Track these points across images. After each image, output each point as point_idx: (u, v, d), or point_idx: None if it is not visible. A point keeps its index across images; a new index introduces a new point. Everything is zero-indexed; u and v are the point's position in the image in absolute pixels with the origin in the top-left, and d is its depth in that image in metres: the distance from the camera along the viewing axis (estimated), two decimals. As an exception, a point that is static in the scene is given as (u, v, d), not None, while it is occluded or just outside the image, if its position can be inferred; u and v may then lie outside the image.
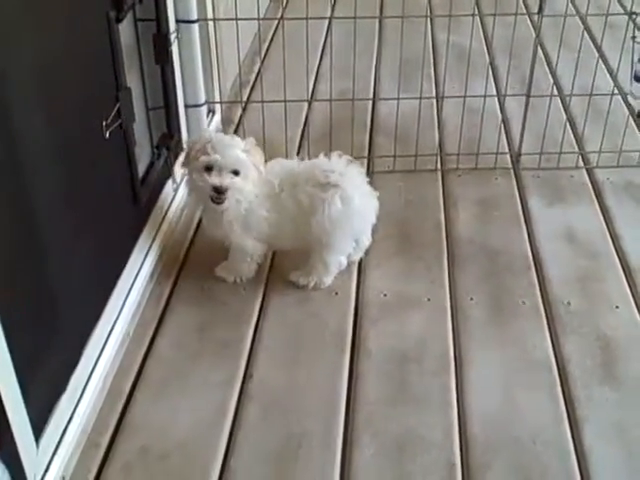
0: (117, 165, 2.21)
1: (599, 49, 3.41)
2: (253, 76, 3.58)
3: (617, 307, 2.31)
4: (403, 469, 1.84)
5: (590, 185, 2.90)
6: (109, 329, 2.11)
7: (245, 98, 3.36)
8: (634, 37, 2.88)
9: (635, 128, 3.18)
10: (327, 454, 1.88)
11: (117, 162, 2.21)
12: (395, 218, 2.62)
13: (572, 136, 3.15)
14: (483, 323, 2.26)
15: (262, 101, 2.84)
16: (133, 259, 2.29)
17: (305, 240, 2.31)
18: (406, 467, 1.85)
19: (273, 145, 2.77)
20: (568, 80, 3.06)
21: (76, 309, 1.93)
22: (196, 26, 2.68)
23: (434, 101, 3.37)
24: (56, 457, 1.78)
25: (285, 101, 2.82)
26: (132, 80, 2.28)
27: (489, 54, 3.72)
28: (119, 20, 2.11)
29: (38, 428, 1.72)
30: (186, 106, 2.78)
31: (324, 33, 3.78)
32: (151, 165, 2.50)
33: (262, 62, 3.44)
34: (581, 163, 3.02)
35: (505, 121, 3.25)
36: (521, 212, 2.75)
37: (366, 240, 2.41)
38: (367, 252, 2.47)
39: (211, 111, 3.07)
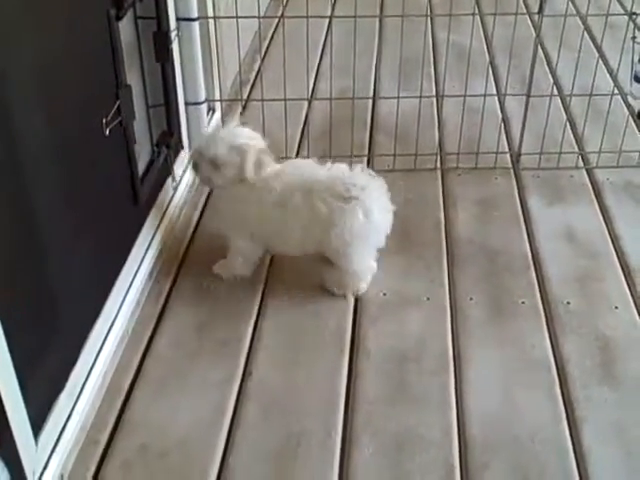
0: (117, 163, 2.21)
1: (599, 49, 3.42)
2: (253, 74, 3.58)
3: (616, 307, 2.31)
4: (402, 468, 1.84)
5: (590, 185, 2.90)
6: (108, 327, 2.11)
7: (245, 96, 3.36)
8: (634, 37, 2.88)
9: (635, 128, 3.18)
10: (326, 453, 1.88)
11: (117, 160, 2.21)
12: (395, 217, 2.61)
13: (572, 136, 3.15)
14: (482, 323, 2.26)
15: (262, 99, 2.84)
16: (132, 257, 2.29)
17: (314, 248, 2.30)
18: (405, 466, 1.85)
19: (273, 143, 2.75)
20: (568, 80, 3.06)
21: (75, 307, 1.93)
22: (196, 24, 2.68)
23: (434, 100, 3.37)
24: (55, 454, 1.78)
25: (285, 99, 2.82)
26: (132, 78, 2.27)
27: (489, 53, 3.73)
28: (119, 18, 2.10)
29: (37, 425, 1.72)
30: (186, 104, 2.78)
31: (324, 32, 3.78)
32: (151, 163, 2.49)
33: (262, 60, 3.44)
34: (581, 163, 3.02)
35: (505, 121, 3.25)
36: (521, 212, 2.75)
37: None
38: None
39: (211, 109, 3.07)
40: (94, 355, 2.02)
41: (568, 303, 2.33)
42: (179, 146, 2.75)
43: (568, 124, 3.15)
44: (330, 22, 3.56)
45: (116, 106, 2.08)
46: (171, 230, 2.59)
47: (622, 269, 2.46)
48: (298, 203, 2.22)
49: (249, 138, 2.26)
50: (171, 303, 2.33)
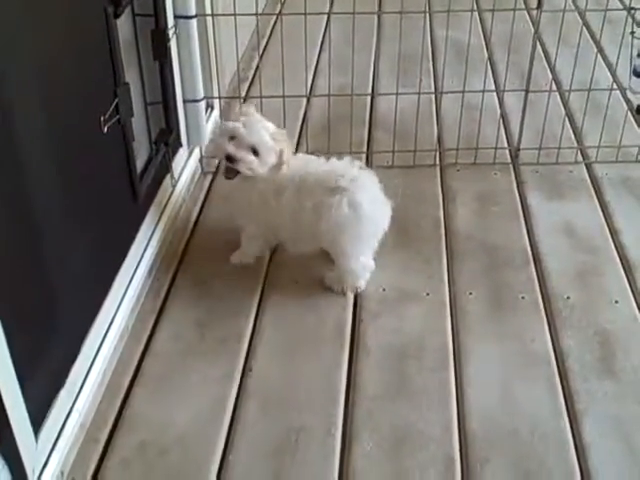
0: (115, 160, 2.21)
1: (598, 44, 3.42)
2: (252, 71, 3.58)
3: (616, 301, 2.31)
4: (402, 464, 1.84)
5: (589, 180, 2.90)
6: (108, 324, 2.11)
7: (244, 93, 3.36)
8: (633, 32, 2.87)
9: (634, 123, 3.18)
10: (326, 449, 1.88)
11: (115, 157, 2.20)
12: (394, 213, 2.61)
13: (571, 131, 3.15)
14: (482, 318, 2.26)
15: (260, 96, 2.84)
16: (131, 254, 2.29)
17: (311, 242, 2.32)
18: (405, 462, 1.85)
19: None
20: (567, 75, 3.06)
21: (75, 303, 1.93)
22: (194, 21, 2.67)
23: (433, 96, 3.37)
24: (55, 452, 1.78)
25: (284, 96, 2.82)
26: (130, 76, 2.27)
27: (488, 49, 3.72)
28: (117, 15, 2.10)
29: (37, 423, 1.72)
30: (184, 101, 2.77)
31: (323, 28, 3.78)
32: (149, 160, 2.49)
33: (260, 57, 3.43)
34: (580, 158, 3.01)
35: (504, 116, 3.25)
36: (520, 207, 2.75)
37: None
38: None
39: (210, 106, 3.07)
40: (94, 352, 2.02)
41: (568, 298, 2.33)
42: (177, 143, 2.74)
43: (567, 119, 3.14)
44: (328, 19, 3.56)
45: (114, 104, 2.07)
46: (170, 227, 2.59)
47: (622, 264, 2.46)
48: (289, 197, 2.24)
49: (268, 123, 2.26)
50: (171, 299, 2.33)
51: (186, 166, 2.82)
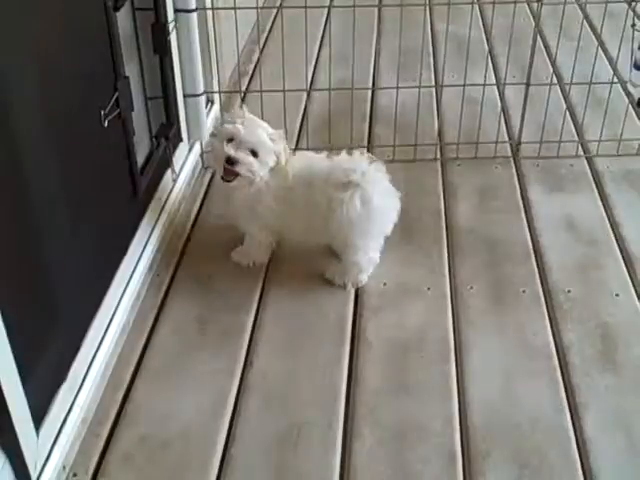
0: (115, 155, 2.21)
1: (599, 37, 3.41)
2: (252, 66, 3.57)
3: (617, 295, 2.31)
4: (403, 458, 1.84)
5: (590, 173, 2.89)
6: (109, 319, 2.11)
7: (244, 88, 3.35)
8: (634, 25, 2.87)
9: (635, 116, 3.17)
10: (327, 443, 1.88)
11: (115, 152, 2.20)
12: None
13: (572, 125, 3.14)
14: (483, 311, 2.26)
15: (261, 91, 2.83)
16: (132, 249, 2.29)
17: (322, 238, 2.32)
18: (406, 456, 1.85)
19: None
20: (568, 69, 3.05)
21: (76, 299, 1.93)
22: (194, 15, 2.66)
23: (433, 90, 3.36)
24: (56, 447, 1.78)
25: (284, 90, 2.81)
26: (131, 70, 2.27)
27: (488, 43, 3.71)
28: (117, 8, 2.09)
29: (38, 418, 1.72)
30: (185, 96, 2.77)
31: (323, 22, 3.77)
32: (150, 155, 2.49)
33: (261, 51, 3.42)
34: (581, 152, 3.01)
35: (505, 110, 3.24)
36: (521, 201, 2.74)
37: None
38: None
39: (210, 101, 3.06)
40: (95, 347, 2.02)
41: (569, 291, 2.33)
42: (178, 138, 2.74)
43: (568, 113, 3.14)
44: (329, 12, 3.55)
45: (114, 98, 2.07)
46: (171, 222, 2.58)
47: (622, 257, 2.46)
48: (298, 195, 2.24)
49: (265, 124, 2.25)
50: (171, 295, 2.33)
51: (187, 161, 2.82)
